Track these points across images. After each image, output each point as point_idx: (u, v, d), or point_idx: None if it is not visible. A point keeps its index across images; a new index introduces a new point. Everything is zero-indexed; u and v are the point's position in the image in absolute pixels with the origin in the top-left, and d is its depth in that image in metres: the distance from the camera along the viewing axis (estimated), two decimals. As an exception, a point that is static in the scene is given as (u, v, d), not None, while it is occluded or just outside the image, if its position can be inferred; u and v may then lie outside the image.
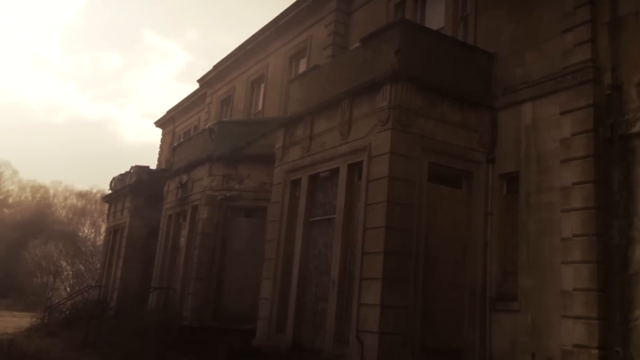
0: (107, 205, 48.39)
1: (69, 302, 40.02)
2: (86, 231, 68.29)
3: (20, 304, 52.07)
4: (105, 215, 58.21)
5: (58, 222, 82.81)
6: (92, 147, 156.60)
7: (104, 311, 31.60)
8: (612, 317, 14.58)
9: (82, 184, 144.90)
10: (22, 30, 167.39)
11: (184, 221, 29.01)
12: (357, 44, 19.78)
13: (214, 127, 27.25)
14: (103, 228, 64.88)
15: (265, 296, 20.54)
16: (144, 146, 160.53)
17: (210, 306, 25.05)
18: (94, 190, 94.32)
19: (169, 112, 52.44)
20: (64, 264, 55.09)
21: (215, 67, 40.91)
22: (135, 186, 38.24)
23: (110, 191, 44.71)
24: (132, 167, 39.79)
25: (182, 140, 38.30)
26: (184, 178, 28.62)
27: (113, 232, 41.54)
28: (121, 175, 41.94)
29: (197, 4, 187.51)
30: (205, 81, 42.89)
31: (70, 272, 53.27)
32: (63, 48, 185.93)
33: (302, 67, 30.56)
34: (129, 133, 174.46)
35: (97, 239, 63.75)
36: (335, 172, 18.87)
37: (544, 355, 15.59)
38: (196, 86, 45.33)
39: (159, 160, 53.21)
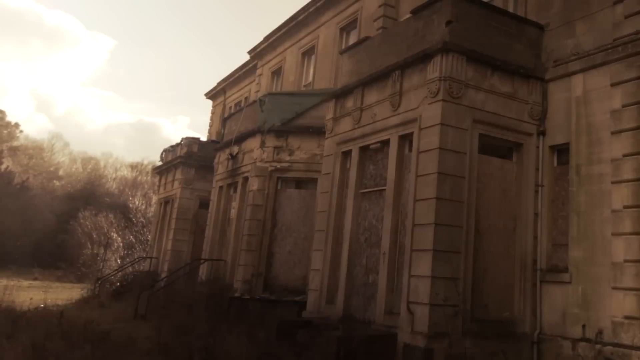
0: (157, 177, 48.84)
1: (120, 273, 40.61)
2: (137, 203, 68.63)
3: (70, 276, 52.28)
4: (155, 187, 58.81)
5: (109, 194, 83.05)
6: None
7: (154, 283, 31.91)
8: (664, 288, 14.58)
9: (133, 156, 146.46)
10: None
11: (234, 193, 29.22)
12: (408, 15, 19.77)
13: (264, 98, 27.33)
14: (154, 200, 65.25)
15: (316, 267, 20.70)
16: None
17: (261, 278, 25.21)
18: (145, 162, 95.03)
19: (219, 83, 52.65)
20: (115, 235, 55.51)
21: (266, 38, 40.84)
22: (185, 158, 38.73)
23: (160, 163, 45.09)
24: (182, 139, 40.14)
25: (232, 112, 38.45)
26: (235, 150, 28.79)
27: (164, 204, 42.09)
28: (172, 146, 42.37)
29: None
30: (256, 52, 42.82)
31: (121, 244, 53.74)
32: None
33: (353, 38, 30.59)
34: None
35: (148, 211, 64.08)
36: (385, 143, 18.94)
37: (594, 326, 15.59)
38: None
39: (210, 132, 53.56)
